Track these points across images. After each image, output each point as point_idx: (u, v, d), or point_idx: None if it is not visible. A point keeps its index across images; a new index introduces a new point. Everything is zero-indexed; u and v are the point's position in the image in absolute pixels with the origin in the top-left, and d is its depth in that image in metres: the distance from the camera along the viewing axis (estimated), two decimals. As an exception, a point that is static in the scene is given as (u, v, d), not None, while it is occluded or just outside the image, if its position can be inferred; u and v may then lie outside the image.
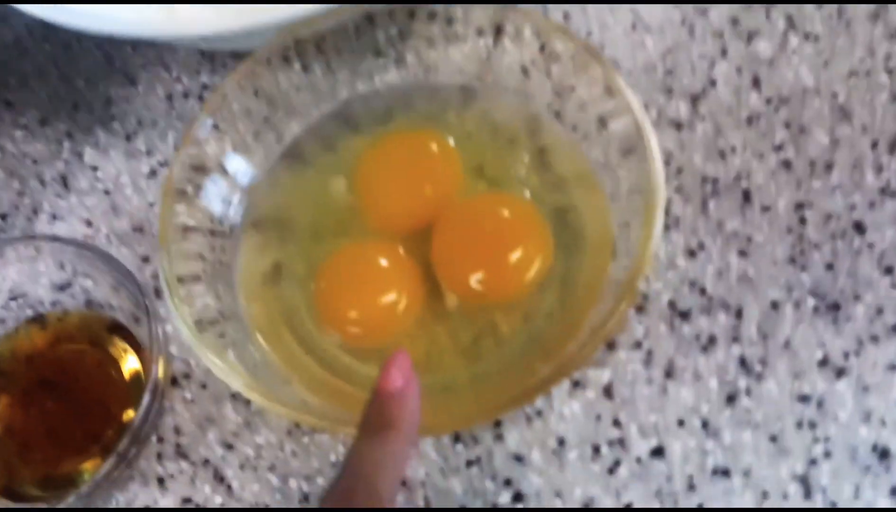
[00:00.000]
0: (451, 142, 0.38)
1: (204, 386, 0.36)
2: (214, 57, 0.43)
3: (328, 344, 0.35)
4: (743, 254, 0.37)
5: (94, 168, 0.41)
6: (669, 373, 0.35)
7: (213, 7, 0.41)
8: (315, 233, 0.37)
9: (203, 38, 0.38)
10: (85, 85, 0.43)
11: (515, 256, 0.34)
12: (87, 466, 0.34)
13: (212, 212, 0.36)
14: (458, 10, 0.39)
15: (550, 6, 0.43)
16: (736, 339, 0.35)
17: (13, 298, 0.37)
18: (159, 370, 0.32)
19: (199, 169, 0.36)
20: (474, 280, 0.34)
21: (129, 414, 0.34)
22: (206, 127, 0.36)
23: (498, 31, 0.39)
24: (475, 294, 0.34)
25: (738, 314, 0.36)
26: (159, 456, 0.35)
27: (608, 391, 0.35)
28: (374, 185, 0.37)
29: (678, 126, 0.39)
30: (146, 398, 0.31)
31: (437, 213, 0.36)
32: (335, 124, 0.39)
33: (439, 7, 0.40)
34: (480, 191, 0.37)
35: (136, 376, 0.35)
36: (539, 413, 0.35)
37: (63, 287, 0.37)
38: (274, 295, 0.36)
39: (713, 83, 0.40)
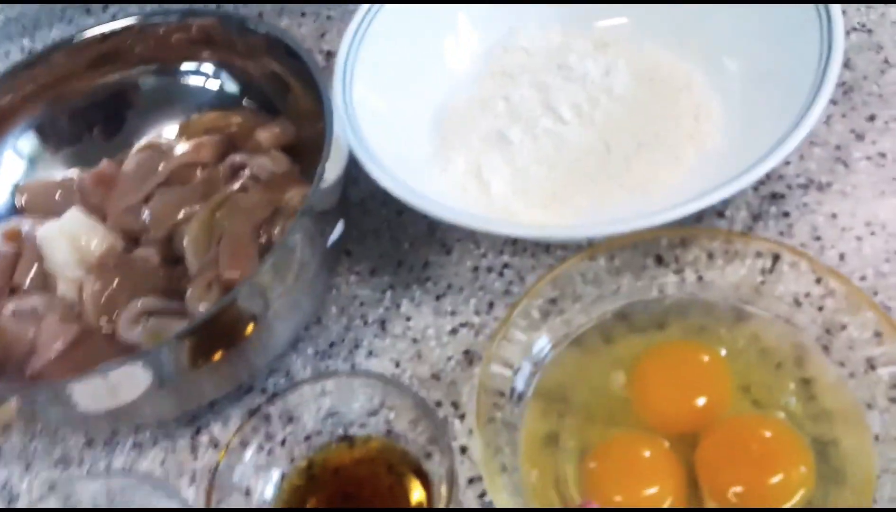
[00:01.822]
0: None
1: (473, 528, 0.41)
2: (516, 241, 0.51)
3: (590, 518, 0.39)
4: None
5: (408, 318, 0.49)
6: None
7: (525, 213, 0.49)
8: (589, 415, 0.42)
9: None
10: (409, 247, 0.52)
11: (776, 479, 0.37)
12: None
13: (510, 378, 0.42)
14: (738, 240, 0.44)
15: (827, 246, 0.47)
16: None
17: (330, 416, 0.44)
18: (451, 504, 0.38)
19: (507, 342, 0.43)
20: (734, 493, 0.37)
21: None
22: (517, 321, 0.43)
23: (775, 260, 0.43)
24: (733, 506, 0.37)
25: None
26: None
27: None
28: (651, 386, 0.41)
29: (948, 383, 0.41)
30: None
31: (706, 423, 0.40)
32: (616, 321, 0.45)
33: (723, 223, 0.44)
34: (745, 409, 0.40)
35: (419, 506, 0.41)
36: None
37: (371, 413, 0.44)
38: (548, 460, 0.41)
39: None
